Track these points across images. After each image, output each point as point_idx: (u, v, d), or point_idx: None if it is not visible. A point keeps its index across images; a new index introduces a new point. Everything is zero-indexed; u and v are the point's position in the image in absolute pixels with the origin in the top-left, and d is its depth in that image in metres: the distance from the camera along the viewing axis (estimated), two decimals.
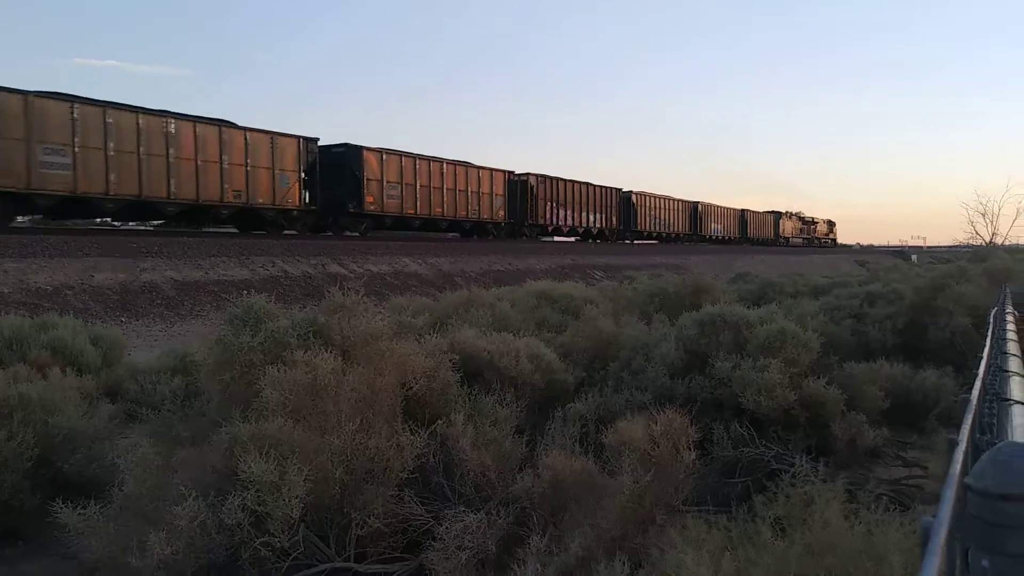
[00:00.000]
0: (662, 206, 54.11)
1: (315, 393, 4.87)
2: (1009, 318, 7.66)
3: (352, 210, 30.00)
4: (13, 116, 19.00)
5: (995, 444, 1.63)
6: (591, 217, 45.42)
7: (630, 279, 18.41)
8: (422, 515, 4.25)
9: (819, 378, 6.61)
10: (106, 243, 19.28)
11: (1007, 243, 54.48)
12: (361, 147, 29.95)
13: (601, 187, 46.66)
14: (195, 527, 3.76)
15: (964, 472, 1.55)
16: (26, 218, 22.95)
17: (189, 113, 23.68)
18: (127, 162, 21.52)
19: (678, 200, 56.57)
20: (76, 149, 20.26)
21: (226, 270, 20.13)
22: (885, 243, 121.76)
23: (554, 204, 42.00)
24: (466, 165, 35.70)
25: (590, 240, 46.05)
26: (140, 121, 21.97)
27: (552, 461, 4.34)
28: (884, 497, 4.00)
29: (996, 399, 3.39)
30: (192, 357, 7.72)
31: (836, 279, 20.81)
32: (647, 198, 51.85)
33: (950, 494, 1.39)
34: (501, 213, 37.94)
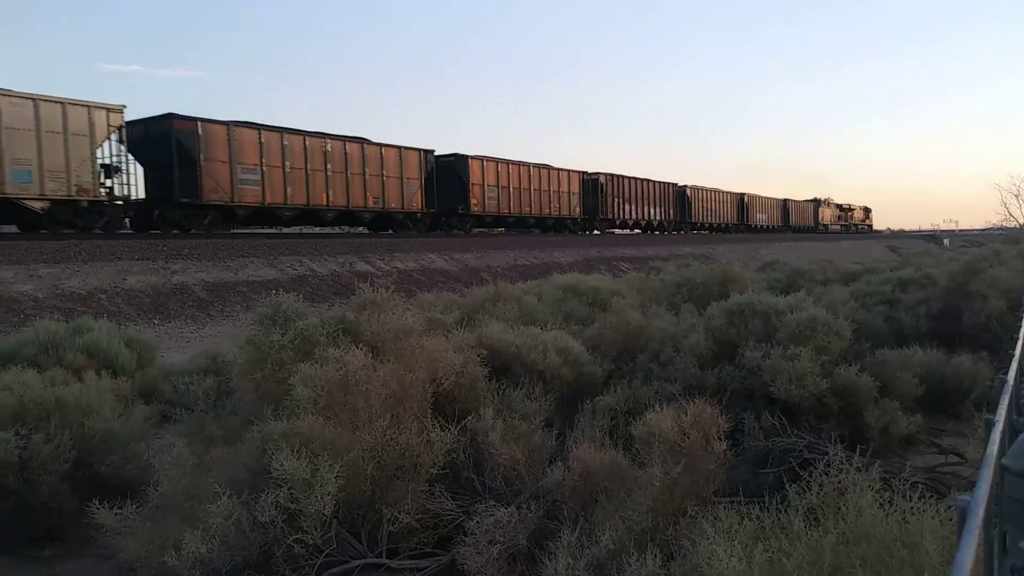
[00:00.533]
0: (713, 198, 57.90)
1: (346, 389, 4.91)
2: None
3: (461, 211, 34.84)
4: (220, 142, 24.10)
5: None
6: (652, 211, 49.77)
7: (657, 270, 18.30)
8: (453, 510, 4.26)
9: (851, 365, 6.52)
10: (137, 247, 19.56)
11: None
12: (467, 156, 35.01)
13: (660, 182, 50.99)
14: (229, 525, 3.81)
15: (1001, 453, 1.52)
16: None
17: (336, 133, 28.85)
18: (298, 177, 26.57)
19: (727, 192, 60.42)
20: (264, 168, 25.43)
21: (255, 270, 20.33)
22: (917, 227, 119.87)
23: (621, 200, 46.43)
24: (548, 168, 40.32)
25: (649, 231, 50.12)
26: (306, 142, 26.95)
27: (582, 454, 4.33)
28: (919, 485, 3.94)
29: None
30: (223, 357, 7.82)
31: (867, 265, 20.52)
32: (700, 191, 55.58)
33: (987, 474, 1.36)
34: (577, 209, 42.61)
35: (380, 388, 4.95)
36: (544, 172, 39.69)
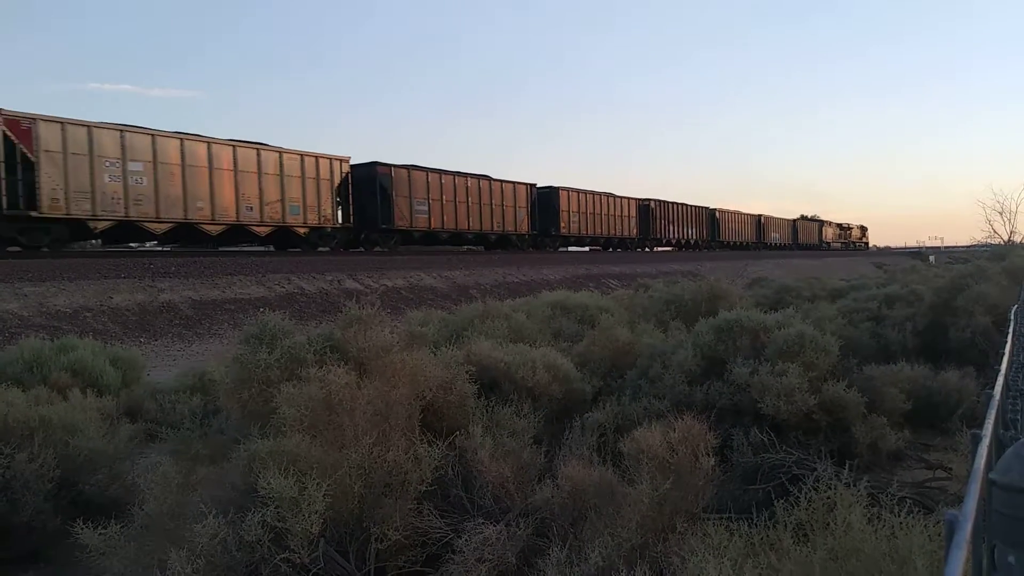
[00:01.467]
0: (737, 220, 64.72)
1: (330, 408, 4.88)
2: None
3: (554, 233, 41.21)
4: (403, 182, 31.55)
5: (1019, 439, 1.60)
6: (689, 231, 55.77)
7: (645, 287, 18.34)
8: (441, 528, 4.23)
9: (839, 381, 6.54)
10: (124, 265, 19.46)
11: None
12: (557, 188, 40.88)
13: (696, 206, 57.22)
14: (215, 545, 3.76)
15: (988, 467, 1.52)
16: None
17: (478, 172, 35.83)
18: (450, 208, 34.03)
19: (747, 214, 67.53)
20: (430, 201, 33.05)
21: (243, 288, 20.26)
22: (903, 244, 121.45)
23: (666, 222, 52.56)
24: (610, 195, 46.07)
25: (684, 248, 55.05)
26: (456, 180, 34.55)
27: (571, 471, 4.32)
28: (907, 500, 3.95)
29: (1019, 395, 3.34)
30: (210, 375, 7.78)
31: (853, 282, 20.65)
32: (727, 214, 61.85)
33: (975, 488, 1.37)
34: (635, 231, 48.80)
35: (365, 405, 4.92)
36: (606, 198, 45.71)
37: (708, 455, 4.35)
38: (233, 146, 25.22)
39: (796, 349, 6.73)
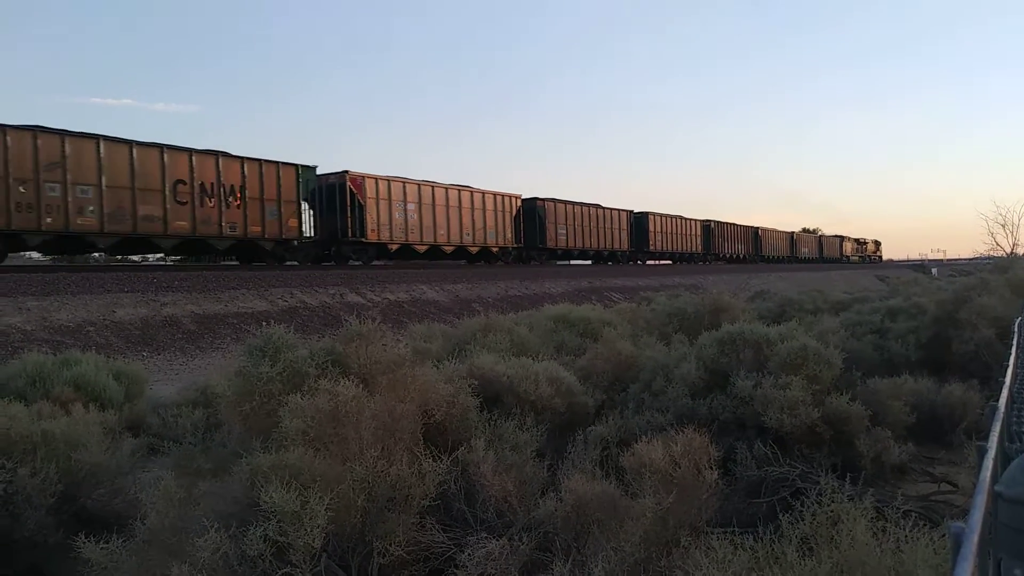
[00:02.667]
0: (775, 236, 71.60)
1: (336, 421, 4.87)
2: None
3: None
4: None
5: None
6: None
7: (648, 300, 18.33)
8: (444, 542, 4.21)
9: (842, 394, 6.52)
10: (127, 279, 19.50)
11: None
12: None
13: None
14: (217, 559, 3.75)
15: (994, 480, 1.52)
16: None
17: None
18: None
19: (783, 231, 75.59)
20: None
21: (245, 302, 20.27)
22: (905, 257, 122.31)
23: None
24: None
25: (679, 261, 55.34)
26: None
27: (574, 485, 4.30)
28: (912, 514, 3.93)
29: None
30: (213, 389, 7.77)
31: (856, 295, 20.62)
32: (768, 231, 68.08)
33: (980, 500, 1.36)
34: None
35: (370, 419, 4.92)
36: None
37: (711, 468, 4.33)
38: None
39: (799, 362, 6.72)
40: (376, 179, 30.74)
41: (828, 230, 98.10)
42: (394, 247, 31.85)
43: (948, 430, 7.53)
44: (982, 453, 1.81)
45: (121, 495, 5.53)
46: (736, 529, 4.14)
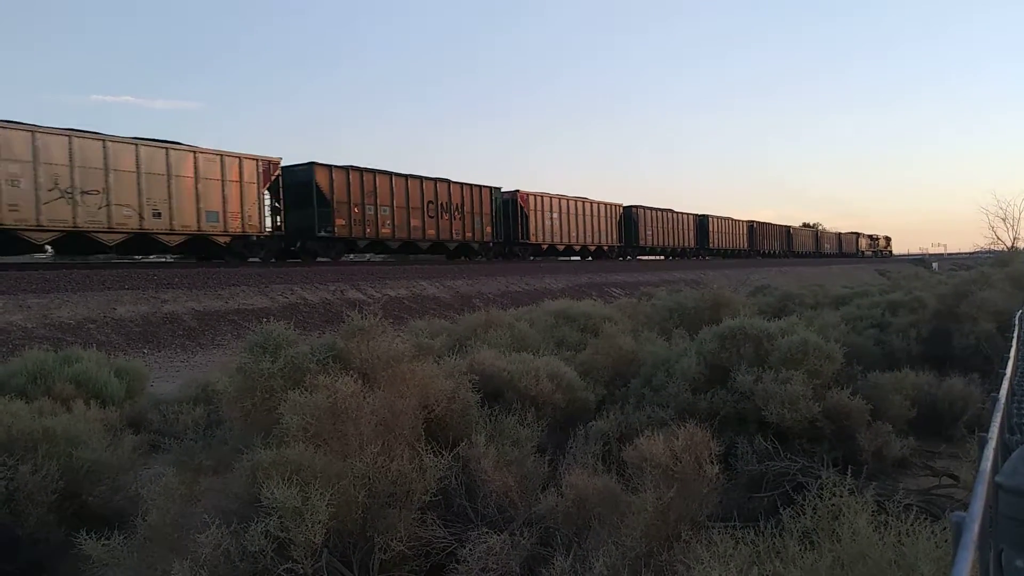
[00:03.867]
0: (803, 234, 77.17)
1: (336, 417, 4.87)
2: None
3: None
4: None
5: None
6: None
7: (648, 295, 18.33)
8: (445, 537, 4.22)
9: (843, 389, 6.52)
10: (128, 276, 19.50)
11: None
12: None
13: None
14: (219, 555, 3.75)
15: (994, 471, 1.52)
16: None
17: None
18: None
19: (808, 229, 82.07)
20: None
21: (246, 299, 20.27)
22: (905, 251, 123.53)
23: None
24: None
25: (671, 257, 54.73)
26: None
27: (575, 480, 4.30)
28: (913, 507, 3.93)
29: None
30: (213, 386, 7.76)
31: (857, 289, 20.61)
32: (798, 230, 71.94)
33: (981, 490, 1.36)
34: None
35: (370, 415, 4.92)
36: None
37: (712, 463, 4.33)
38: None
39: (800, 356, 6.71)
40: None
41: (828, 225, 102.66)
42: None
43: (949, 424, 7.53)
44: (983, 444, 1.81)
45: (122, 492, 5.53)
46: (737, 523, 4.14)
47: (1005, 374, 3.45)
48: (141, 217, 22.43)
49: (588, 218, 45.11)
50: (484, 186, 37.41)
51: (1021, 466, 1.28)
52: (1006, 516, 1.29)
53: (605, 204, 47.11)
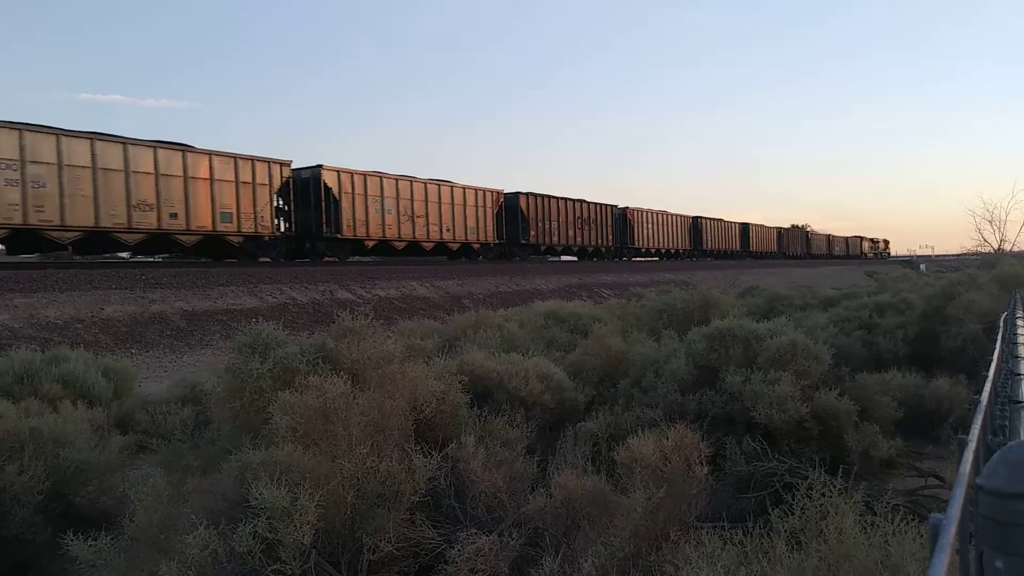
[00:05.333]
0: (818, 238, 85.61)
1: (325, 417, 4.86)
2: (1020, 323, 7.59)
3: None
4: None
5: (1007, 445, 1.61)
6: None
7: (638, 296, 18.36)
8: (434, 538, 4.22)
9: (831, 390, 6.56)
10: (116, 276, 19.39)
11: (1015, 249, 54.26)
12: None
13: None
14: (206, 556, 3.74)
15: (975, 473, 1.53)
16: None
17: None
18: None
19: (822, 234, 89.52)
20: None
21: (235, 299, 20.20)
22: (893, 253, 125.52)
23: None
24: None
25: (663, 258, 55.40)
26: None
27: (564, 480, 4.31)
28: (900, 507, 3.96)
29: (1008, 402, 3.36)
30: (202, 386, 7.74)
31: (845, 290, 20.71)
32: (816, 234, 75.43)
33: (959, 492, 1.37)
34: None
35: (360, 416, 4.91)
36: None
37: (701, 464, 4.35)
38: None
39: (788, 357, 6.75)
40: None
41: (817, 227, 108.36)
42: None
43: (936, 425, 7.58)
44: (963, 446, 1.83)
45: (109, 492, 5.51)
46: (725, 524, 4.16)
47: (988, 376, 3.49)
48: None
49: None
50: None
51: (1001, 468, 1.30)
52: (986, 518, 1.30)
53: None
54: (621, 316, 12.83)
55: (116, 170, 21.96)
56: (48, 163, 20.27)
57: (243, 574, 3.81)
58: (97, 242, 22.62)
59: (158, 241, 23.99)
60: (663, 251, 55.92)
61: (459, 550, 3.93)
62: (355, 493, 4.24)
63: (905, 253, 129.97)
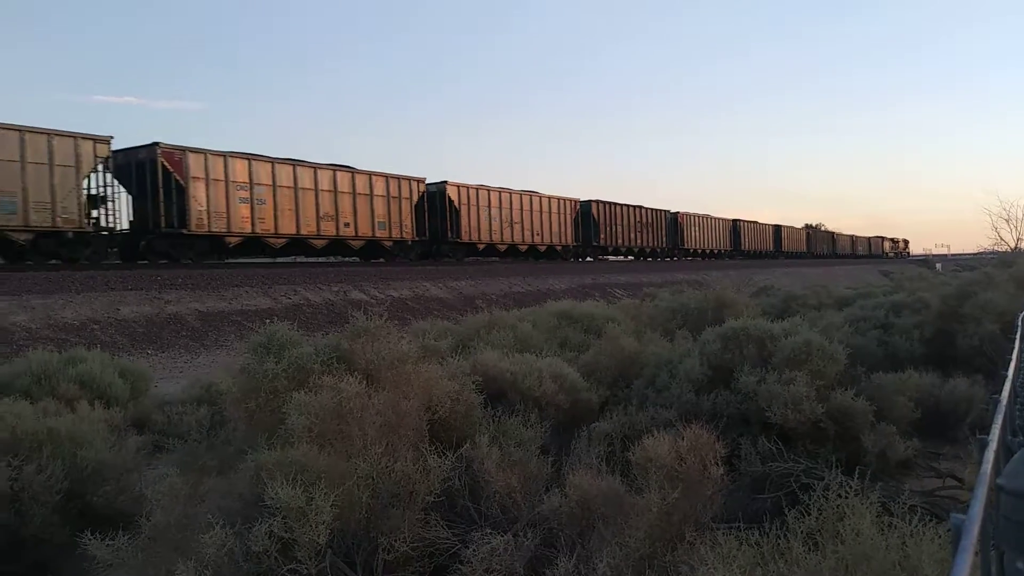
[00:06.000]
0: (843, 239, 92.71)
1: (340, 417, 4.88)
2: None
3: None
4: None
5: None
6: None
7: (651, 296, 18.32)
8: (448, 538, 4.22)
9: (847, 390, 6.51)
10: (131, 277, 19.54)
11: None
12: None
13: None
14: (223, 555, 3.76)
15: (996, 473, 1.52)
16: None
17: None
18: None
19: (847, 235, 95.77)
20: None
21: (249, 300, 20.31)
22: (909, 252, 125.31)
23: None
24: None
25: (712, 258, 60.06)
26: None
27: (579, 480, 4.31)
28: (918, 508, 3.93)
29: None
30: (217, 386, 7.79)
31: (860, 290, 20.58)
32: (747, 224, 67.71)
33: (981, 492, 1.36)
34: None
35: (375, 416, 4.92)
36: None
37: (716, 464, 4.33)
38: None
39: (803, 357, 6.71)
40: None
41: (830, 225, 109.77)
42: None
43: (953, 425, 7.52)
44: (983, 446, 1.81)
45: (127, 492, 5.55)
46: (741, 525, 4.14)
47: (1007, 375, 3.45)
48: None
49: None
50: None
51: (1022, 468, 1.29)
52: (1007, 518, 1.29)
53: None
54: (634, 316, 12.80)
55: (308, 189, 27.77)
56: (267, 185, 26.25)
57: (259, 573, 3.83)
58: (297, 247, 28.17)
59: (335, 246, 29.71)
60: (707, 251, 60.97)
61: (474, 550, 3.93)
62: (370, 493, 4.26)
63: (921, 252, 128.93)
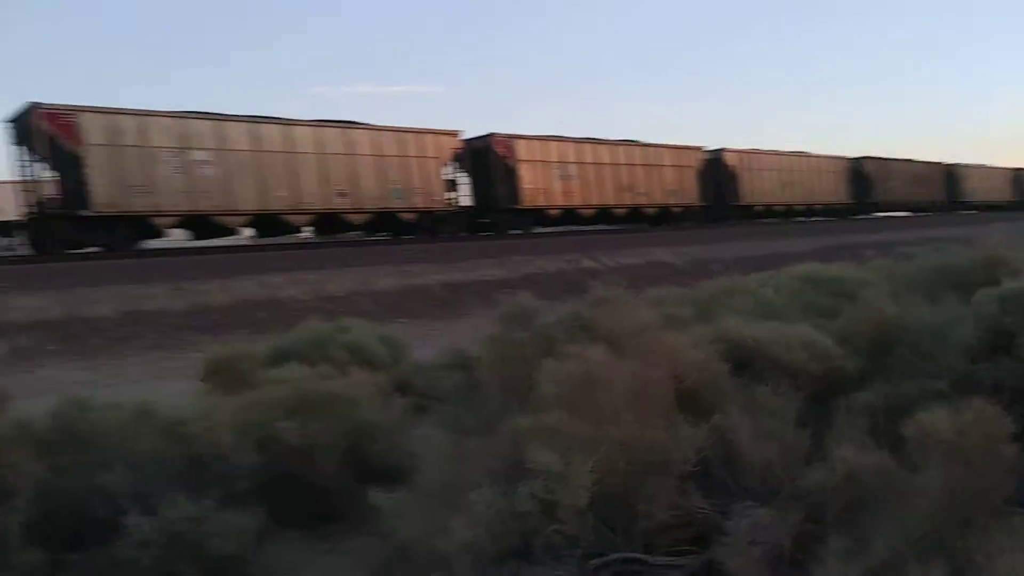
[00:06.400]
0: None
1: (588, 385, 4.97)
2: None
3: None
4: None
5: None
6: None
7: (909, 256, 16.80)
8: (706, 508, 4.18)
9: None
10: (381, 252, 21.20)
11: None
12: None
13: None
14: (491, 513, 3.98)
15: None
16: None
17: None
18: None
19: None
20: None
21: (485, 270, 21.27)
22: None
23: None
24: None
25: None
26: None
27: (845, 454, 4.07)
28: None
29: None
30: (468, 353, 8.23)
31: None
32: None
33: None
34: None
35: (621, 383, 4.96)
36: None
37: (1007, 441, 3.90)
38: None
39: None
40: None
41: None
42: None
43: None
44: None
45: (397, 450, 6.03)
46: None
47: None
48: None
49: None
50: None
51: None
52: None
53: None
54: (889, 278, 11.79)
55: (607, 164, 31.25)
56: (575, 162, 29.59)
57: (525, 532, 4.02)
58: (602, 217, 31.71)
59: (632, 214, 33.28)
60: (986, 204, 57.43)
61: (735, 522, 3.86)
62: (625, 459, 4.30)
63: None
